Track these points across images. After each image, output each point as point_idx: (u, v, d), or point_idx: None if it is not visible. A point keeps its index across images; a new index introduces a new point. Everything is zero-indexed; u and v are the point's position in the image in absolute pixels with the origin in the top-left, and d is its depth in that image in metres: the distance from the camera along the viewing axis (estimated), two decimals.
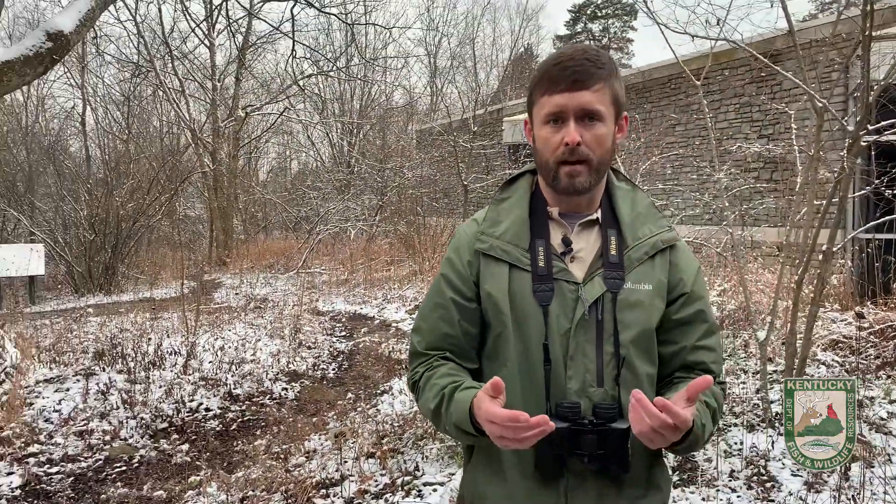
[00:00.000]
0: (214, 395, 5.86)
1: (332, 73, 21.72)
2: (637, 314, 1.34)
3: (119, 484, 4.36)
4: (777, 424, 4.33)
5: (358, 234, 17.31)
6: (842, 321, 6.18)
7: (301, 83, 19.47)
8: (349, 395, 6.16)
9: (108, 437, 4.98)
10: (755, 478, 3.76)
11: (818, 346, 5.58)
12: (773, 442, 4.07)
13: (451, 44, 32.62)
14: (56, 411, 5.31)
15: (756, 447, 4.07)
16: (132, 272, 15.43)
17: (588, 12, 41.10)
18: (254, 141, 24.93)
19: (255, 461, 4.62)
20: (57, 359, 6.45)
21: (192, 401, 5.69)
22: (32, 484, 4.31)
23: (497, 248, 1.39)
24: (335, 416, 5.52)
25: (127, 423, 5.18)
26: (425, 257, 12.42)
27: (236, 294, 12.30)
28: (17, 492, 4.21)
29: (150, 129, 24.40)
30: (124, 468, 4.61)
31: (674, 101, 11.78)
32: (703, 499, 3.57)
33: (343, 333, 8.95)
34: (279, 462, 4.53)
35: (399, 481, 4.01)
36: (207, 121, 20.70)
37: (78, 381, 5.83)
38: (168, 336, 7.29)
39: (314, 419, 5.50)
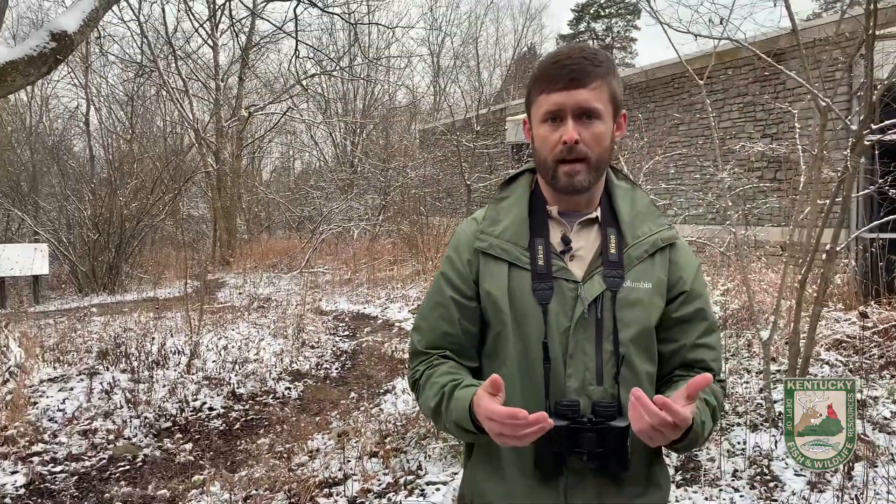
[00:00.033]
0: (218, 395, 5.87)
1: (335, 73, 21.72)
2: (636, 312, 1.34)
3: (123, 483, 4.38)
4: (780, 424, 4.33)
5: (361, 234, 17.31)
6: (845, 321, 6.17)
7: (304, 83, 19.47)
8: (352, 394, 6.16)
9: (111, 437, 5.00)
10: (758, 477, 3.76)
11: (822, 345, 5.57)
12: (776, 442, 4.06)
13: (454, 43, 32.71)
14: (60, 410, 5.32)
15: (759, 447, 4.07)
16: (136, 272, 15.46)
17: (591, 11, 41.07)
18: (257, 141, 24.98)
19: (259, 460, 4.63)
20: (61, 358, 6.46)
21: (195, 400, 5.70)
22: (36, 483, 4.33)
23: (496, 246, 1.39)
24: (338, 416, 5.52)
25: (130, 422, 5.19)
26: (428, 257, 12.42)
27: (240, 293, 12.31)
28: (22, 491, 4.23)
29: (154, 128, 24.49)
30: (128, 467, 4.62)
31: (677, 100, 11.77)
32: (706, 498, 3.57)
33: (346, 333, 8.96)
34: (282, 461, 4.54)
35: (402, 480, 4.02)
36: (211, 120, 20.73)
37: (82, 380, 5.85)
38: (171, 335, 7.31)
39: (317, 418, 5.51)
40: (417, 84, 31.54)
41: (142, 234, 15.29)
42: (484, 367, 1.43)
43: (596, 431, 1.25)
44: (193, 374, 6.18)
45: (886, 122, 4.67)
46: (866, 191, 5.78)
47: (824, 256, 4.41)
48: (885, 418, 4.39)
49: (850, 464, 3.68)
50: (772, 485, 3.67)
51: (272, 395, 6.10)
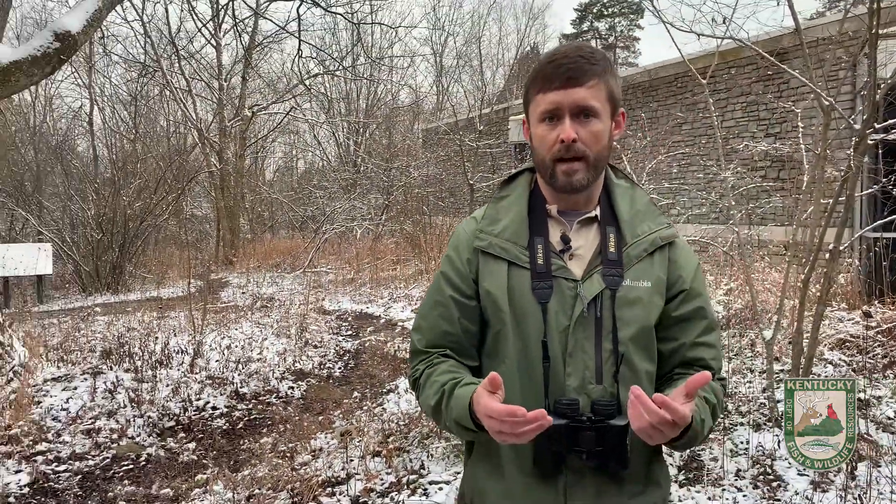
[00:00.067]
0: (221, 394, 5.88)
1: (338, 73, 21.71)
2: (636, 311, 1.34)
3: (126, 482, 4.39)
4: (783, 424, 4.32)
5: (364, 234, 17.33)
6: (849, 320, 6.16)
7: (307, 83, 19.46)
8: (355, 393, 6.17)
9: (115, 436, 5.01)
10: (761, 477, 3.76)
11: (825, 345, 5.56)
12: (779, 441, 4.05)
13: (456, 43, 32.78)
14: (64, 410, 5.34)
15: (762, 446, 4.06)
16: (139, 271, 15.50)
17: (594, 11, 41.00)
18: (260, 140, 25.01)
19: (262, 459, 4.63)
20: (65, 357, 6.48)
21: (198, 399, 5.71)
22: (40, 482, 4.34)
23: (496, 245, 1.39)
24: (341, 415, 5.53)
25: (134, 421, 5.21)
26: (431, 256, 12.43)
27: (243, 293, 12.33)
28: (26, 490, 4.24)
29: (157, 128, 24.51)
30: (131, 466, 4.63)
31: (680, 99, 11.75)
32: (709, 498, 3.57)
33: (349, 332, 8.97)
34: (285, 460, 4.55)
35: (405, 480, 4.02)
36: (214, 120, 20.75)
37: (85, 379, 5.87)
38: (175, 335, 7.32)
39: (320, 418, 5.52)
40: (420, 84, 31.61)
41: (145, 233, 15.33)
42: (484, 366, 1.43)
43: (595, 430, 1.25)
44: (197, 373, 6.19)
45: (890, 122, 4.65)
46: (870, 190, 5.77)
47: (828, 256, 4.40)
48: (889, 418, 4.38)
49: (854, 463, 3.68)
50: (775, 484, 3.67)
51: (275, 394, 6.11)
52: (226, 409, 5.66)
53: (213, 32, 19.87)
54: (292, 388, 6.31)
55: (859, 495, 3.38)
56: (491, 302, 1.38)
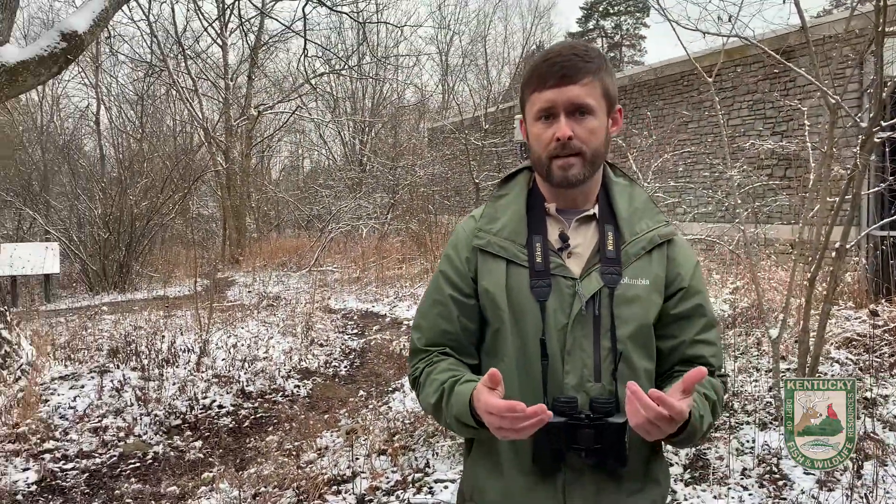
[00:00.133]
0: (227, 393, 5.90)
1: (343, 72, 21.77)
2: (634, 309, 1.34)
3: (133, 480, 4.41)
4: None
5: (370, 233, 17.36)
6: (856, 319, 6.13)
7: (313, 82, 19.50)
8: (361, 392, 6.18)
9: (122, 434, 5.04)
10: (767, 476, 3.75)
11: (832, 344, 5.53)
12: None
13: (462, 42, 32.68)
14: (71, 408, 5.37)
15: (768, 445, 4.05)
16: (146, 270, 15.55)
17: (600, 9, 40.95)
18: (266, 139, 25.06)
19: (268, 457, 4.65)
20: (72, 356, 6.52)
21: (205, 398, 5.73)
22: (48, 480, 4.36)
23: (494, 244, 1.40)
24: (347, 414, 5.54)
25: (141, 419, 5.23)
26: (437, 255, 12.43)
27: (249, 292, 12.36)
28: (33, 487, 4.27)
29: (164, 128, 24.57)
30: (138, 464, 4.65)
31: (686, 98, 11.72)
32: (715, 496, 3.56)
33: (355, 331, 8.98)
34: (291, 459, 4.56)
35: (410, 478, 4.03)
36: (220, 120, 20.82)
37: (92, 378, 5.89)
38: (181, 334, 7.35)
39: (326, 416, 5.53)
40: (426, 82, 31.51)
41: (152, 232, 15.37)
42: (483, 364, 1.44)
43: (594, 428, 1.25)
44: (203, 372, 6.22)
45: None
46: (877, 188, 5.73)
47: (834, 254, 4.38)
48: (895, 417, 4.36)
49: (860, 462, 3.66)
50: (781, 483, 3.66)
51: (281, 392, 6.13)
52: (232, 408, 5.68)
53: (219, 32, 19.93)
54: (298, 386, 6.32)
55: (865, 494, 3.36)
56: (490, 300, 1.38)
